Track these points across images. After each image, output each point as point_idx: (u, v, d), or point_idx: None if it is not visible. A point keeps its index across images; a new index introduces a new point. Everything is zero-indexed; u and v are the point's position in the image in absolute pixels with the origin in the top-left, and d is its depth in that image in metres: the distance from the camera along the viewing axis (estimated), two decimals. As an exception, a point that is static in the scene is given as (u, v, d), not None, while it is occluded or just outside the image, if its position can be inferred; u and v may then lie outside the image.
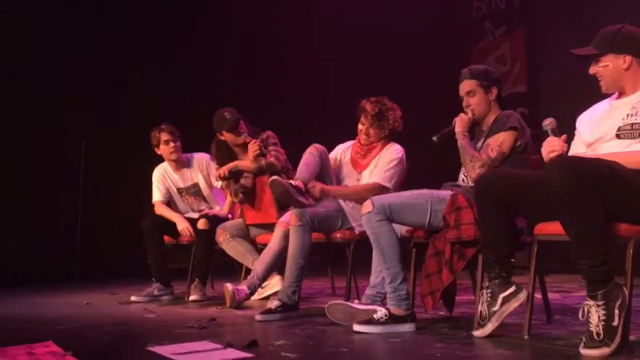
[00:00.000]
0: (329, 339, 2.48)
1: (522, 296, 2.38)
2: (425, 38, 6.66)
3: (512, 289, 2.39)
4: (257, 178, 3.85)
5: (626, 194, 2.11)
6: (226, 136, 3.89)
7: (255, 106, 5.12)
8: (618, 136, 2.29)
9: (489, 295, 2.40)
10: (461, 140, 2.76)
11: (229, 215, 4.17)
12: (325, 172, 3.37)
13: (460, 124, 2.80)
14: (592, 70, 2.40)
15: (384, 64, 6.49)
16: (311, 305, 3.55)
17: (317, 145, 3.38)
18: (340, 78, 6.31)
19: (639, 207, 2.13)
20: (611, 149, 2.29)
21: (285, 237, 3.23)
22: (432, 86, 6.25)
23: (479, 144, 2.78)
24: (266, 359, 2.11)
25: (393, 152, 3.29)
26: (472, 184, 2.73)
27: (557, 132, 2.34)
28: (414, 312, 2.70)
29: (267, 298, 3.44)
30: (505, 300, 2.38)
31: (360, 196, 3.12)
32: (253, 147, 3.76)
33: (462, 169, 2.87)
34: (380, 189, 3.20)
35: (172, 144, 4.18)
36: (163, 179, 4.29)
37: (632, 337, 2.17)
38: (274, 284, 3.70)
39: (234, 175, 3.87)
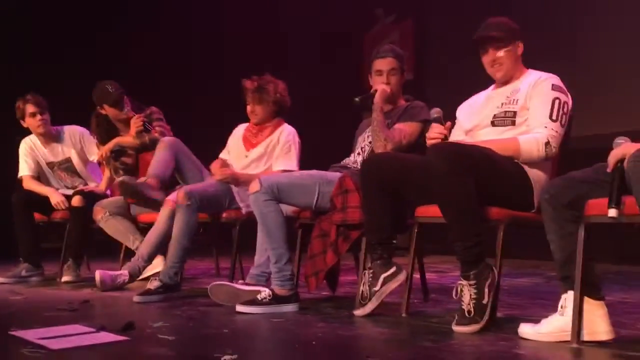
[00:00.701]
0: (211, 320, 2.43)
1: (402, 277, 2.47)
2: (317, 21, 6.67)
3: (393, 269, 2.47)
4: (140, 155, 3.68)
5: (498, 179, 2.23)
6: (108, 110, 3.68)
7: (142, 80, 4.89)
8: (493, 124, 2.42)
9: (371, 275, 2.46)
10: (378, 114, 2.73)
11: (108, 192, 3.95)
12: (183, 162, 3.37)
13: (381, 95, 2.77)
14: (493, 56, 2.42)
15: (276, 45, 6.43)
16: (194, 287, 3.47)
17: (165, 138, 3.39)
18: (234, 55, 6.17)
19: (510, 192, 2.27)
20: (487, 136, 2.41)
21: (172, 216, 3.12)
22: (324, 70, 6.29)
23: (387, 121, 2.78)
24: (142, 342, 2.02)
25: (285, 134, 3.24)
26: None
27: (442, 121, 2.43)
28: (298, 293, 2.72)
29: (147, 279, 3.32)
30: (386, 280, 2.45)
31: None
32: (136, 122, 3.59)
33: (354, 153, 2.90)
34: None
35: (38, 117, 3.88)
36: (31, 152, 3.99)
37: (499, 314, 2.32)
38: (156, 264, 3.57)
39: (116, 154, 3.67)
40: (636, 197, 1.62)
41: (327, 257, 2.70)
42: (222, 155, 3.40)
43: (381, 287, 2.44)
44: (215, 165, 3.25)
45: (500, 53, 2.41)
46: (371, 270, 2.47)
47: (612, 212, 1.77)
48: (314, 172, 2.83)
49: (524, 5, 4.59)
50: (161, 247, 3.27)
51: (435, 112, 2.44)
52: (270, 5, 6.57)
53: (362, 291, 2.47)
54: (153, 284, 2.96)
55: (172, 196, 3.21)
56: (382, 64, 2.83)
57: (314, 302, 2.87)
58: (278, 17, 6.60)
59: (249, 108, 3.28)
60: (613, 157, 1.82)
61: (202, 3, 6.49)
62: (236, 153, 3.32)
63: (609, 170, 1.82)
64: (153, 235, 3.23)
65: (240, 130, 3.40)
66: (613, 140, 1.90)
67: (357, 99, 2.78)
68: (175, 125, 3.80)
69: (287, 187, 2.73)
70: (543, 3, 4.78)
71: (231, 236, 3.28)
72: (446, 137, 2.39)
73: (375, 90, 2.79)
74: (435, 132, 2.39)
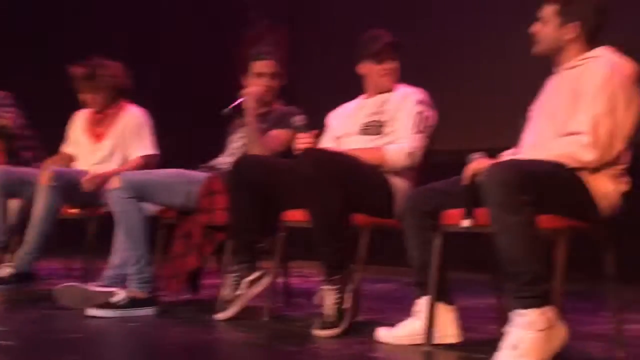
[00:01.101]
0: (58, 324, 2.26)
1: (266, 281, 2.45)
2: (189, 20, 6.49)
3: (257, 274, 2.44)
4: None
5: (363, 187, 2.29)
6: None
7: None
8: (362, 132, 2.49)
9: (235, 279, 2.42)
10: (252, 120, 2.66)
11: None
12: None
13: (253, 98, 2.69)
14: (389, 66, 2.47)
15: (147, 41, 6.16)
16: (41, 288, 3.19)
17: None
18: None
19: (374, 200, 2.34)
20: (356, 143, 2.48)
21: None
22: (195, 70, 6.13)
23: (262, 125, 2.73)
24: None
25: (133, 118, 3.02)
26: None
27: (306, 128, 2.45)
28: (157, 295, 2.60)
29: None
30: (250, 284, 2.42)
31: None
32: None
33: (225, 154, 2.84)
34: (151, 157, 2.99)
35: None
36: None
37: (359, 319, 2.37)
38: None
39: None
40: (488, 209, 1.74)
41: (189, 258, 2.62)
42: (65, 149, 3.14)
43: (245, 291, 2.41)
44: (49, 166, 2.90)
45: (395, 64, 2.50)
46: (235, 274, 2.42)
47: (466, 223, 1.87)
48: (180, 170, 2.74)
49: (394, 21, 4.81)
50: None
51: (299, 120, 2.46)
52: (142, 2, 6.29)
53: (225, 295, 2.42)
54: (5, 271, 2.68)
55: None
56: (263, 66, 2.79)
57: (173, 306, 2.76)
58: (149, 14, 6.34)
59: (80, 97, 3.07)
60: (468, 171, 1.93)
61: None
62: (83, 147, 3.08)
63: (463, 183, 1.93)
64: None
65: (80, 118, 3.15)
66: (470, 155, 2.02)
67: (226, 110, 2.70)
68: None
69: (151, 185, 2.61)
70: (412, 22, 5.04)
71: (85, 233, 3.06)
72: (313, 145, 2.41)
73: (243, 97, 2.71)
74: (302, 142, 2.40)
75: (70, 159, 3.10)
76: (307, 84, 6.05)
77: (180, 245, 2.64)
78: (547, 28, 1.99)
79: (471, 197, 1.88)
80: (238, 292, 2.40)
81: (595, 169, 1.84)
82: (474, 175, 1.89)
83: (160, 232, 2.82)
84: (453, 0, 4.85)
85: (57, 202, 2.79)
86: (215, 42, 6.48)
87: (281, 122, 2.76)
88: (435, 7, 4.99)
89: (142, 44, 5.89)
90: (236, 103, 2.71)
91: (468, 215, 1.86)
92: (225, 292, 2.42)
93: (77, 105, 3.19)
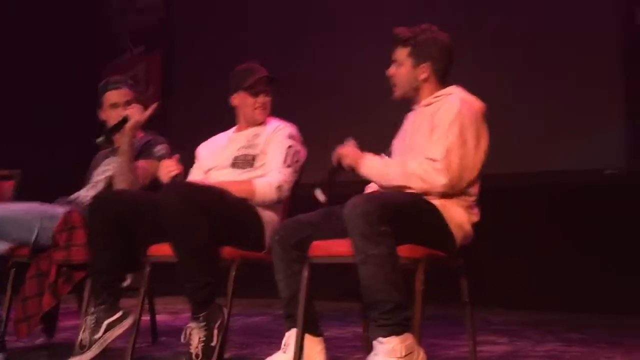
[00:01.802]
0: None
1: (127, 322, 2.31)
2: (60, 44, 6.15)
3: (119, 314, 2.31)
4: None
5: (231, 220, 2.26)
6: None
7: None
8: (233, 165, 2.47)
9: (93, 321, 2.27)
10: (128, 148, 2.50)
11: None
12: None
13: (133, 125, 2.51)
14: (263, 100, 2.50)
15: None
16: None
17: None
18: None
19: (243, 233, 2.30)
20: (226, 176, 2.45)
21: None
22: (60, 99, 5.80)
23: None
24: None
25: None
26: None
27: (169, 156, 2.44)
28: (5, 341, 2.37)
29: None
30: (110, 326, 2.28)
31: None
32: None
33: (84, 188, 2.68)
34: None
35: None
36: None
37: (228, 355, 2.32)
38: None
39: None
40: (351, 240, 1.78)
41: (44, 299, 2.42)
42: None
43: (104, 333, 2.26)
44: None
45: (268, 98, 2.52)
46: (94, 316, 2.27)
47: (318, 194, 2.01)
48: (35, 204, 2.55)
49: (268, 55, 4.89)
50: None
51: (160, 149, 2.43)
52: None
53: (82, 338, 2.26)
54: None
55: None
56: (116, 95, 2.70)
57: (25, 352, 2.55)
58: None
59: None
60: (337, 152, 2.12)
61: None
62: None
63: (332, 162, 2.12)
64: None
65: None
66: (340, 188, 2.12)
67: (100, 139, 2.55)
68: None
69: (2, 220, 2.42)
70: (285, 57, 5.14)
71: None
72: (179, 172, 2.36)
73: (125, 118, 2.55)
74: (168, 169, 2.36)
75: None
76: (181, 113, 5.94)
77: (32, 286, 2.44)
78: (402, 69, 2.12)
79: (332, 175, 2.09)
80: (96, 336, 2.25)
81: (448, 198, 1.97)
82: (340, 157, 2.08)
83: (11, 271, 2.59)
84: (323, 37, 5.02)
85: None
86: (89, 73, 6.19)
87: (145, 151, 2.68)
88: (307, 43, 5.14)
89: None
90: (113, 128, 2.57)
91: (322, 189, 2.04)
92: (83, 335, 2.26)
93: None
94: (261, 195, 2.36)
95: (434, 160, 1.94)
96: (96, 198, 2.34)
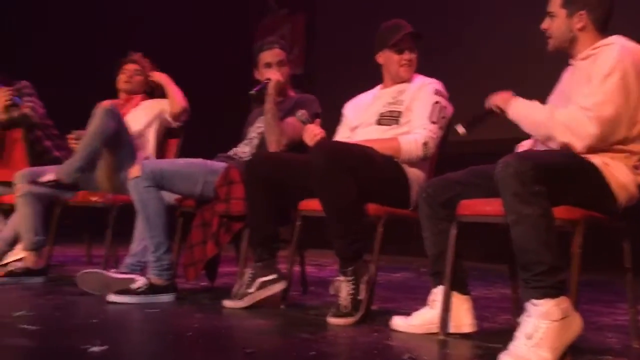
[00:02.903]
0: (79, 310, 2.31)
1: (279, 286, 2.43)
2: (208, 9, 6.51)
3: (273, 276, 2.44)
4: (7, 131, 3.40)
5: (378, 178, 2.30)
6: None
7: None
8: (379, 122, 2.49)
9: (250, 276, 2.44)
10: (273, 106, 2.68)
11: None
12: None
13: (275, 86, 2.71)
14: (408, 56, 2.50)
15: (166, 29, 6.19)
16: (62, 274, 3.27)
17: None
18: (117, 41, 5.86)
19: (389, 190, 2.34)
20: (371, 134, 2.48)
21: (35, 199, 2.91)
22: (215, 57, 6.16)
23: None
24: (1, 333, 1.87)
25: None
26: (248, 158, 2.74)
27: (310, 121, 2.50)
28: (175, 282, 2.64)
29: (6, 265, 3.07)
30: (263, 285, 2.42)
31: None
32: (4, 95, 3.31)
33: (243, 143, 2.86)
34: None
35: None
36: None
37: (374, 307, 2.39)
38: (19, 250, 3.31)
39: None
40: (503, 200, 1.74)
41: (207, 247, 2.65)
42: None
43: (257, 290, 2.42)
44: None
45: (414, 55, 2.51)
46: (251, 271, 2.44)
47: (460, 128, 1.96)
48: (199, 160, 2.76)
49: (412, 12, 4.79)
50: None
51: (302, 114, 2.49)
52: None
53: (238, 288, 2.45)
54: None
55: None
56: (269, 55, 2.81)
57: (191, 293, 2.81)
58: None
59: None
60: (493, 98, 2.06)
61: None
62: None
63: (486, 105, 2.07)
64: (16, 218, 3.00)
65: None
66: (488, 145, 2.06)
67: (253, 92, 2.72)
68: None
69: (171, 174, 2.64)
70: (429, 13, 5.01)
71: (106, 221, 3.12)
72: (323, 136, 2.42)
73: (269, 79, 2.73)
74: (312, 133, 2.44)
75: None
76: (326, 73, 6.05)
77: (198, 234, 2.67)
78: (556, 22, 1.99)
79: (481, 116, 2.04)
80: (250, 290, 2.42)
81: (611, 156, 1.84)
82: (496, 104, 2.03)
83: (179, 220, 2.86)
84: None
85: (36, 208, 2.92)
86: (238, 29, 6.50)
87: (295, 109, 2.78)
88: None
89: (162, 33, 5.93)
90: (260, 87, 2.73)
91: (467, 125, 2.01)
92: (239, 285, 2.45)
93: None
94: (407, 152, 2.37)
95: (586, 108, 1.82)
96: (250, 162, 2.48)
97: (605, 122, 1.81)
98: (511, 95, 2.03)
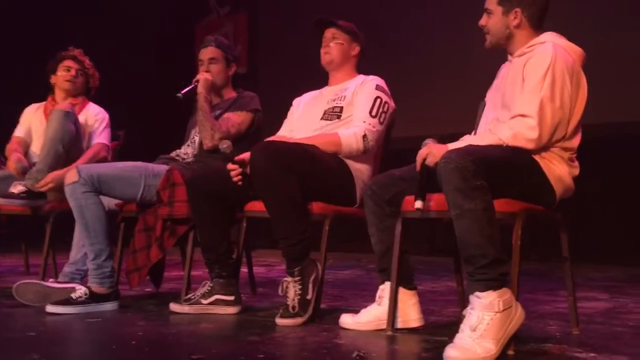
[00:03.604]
0: (15, 322, 2.21)
1: (233, 310, 2.40)
2: (148, 8, 6.37)
3: (231, 298, 2.41)
4: None
5: (321, 175, 2.29)
6: None
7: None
8: (322, 118, 2.49)
9: (208, 288, 2.42)
10: (203, 103, 2.66)
11: None
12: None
13: (203, 84, 2.69)
14: (328, 41, 2.53)
15: (105, 31, 6.01)
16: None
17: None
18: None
19: (334, 188, 2.34)
20: (313, 127, 2.47)
21: None
22: (155, 60, 6.04)
23: (215, 113, 2.73)
24: None
25: (95, 114, 3.06)
26: (191, 159, 2.69)
27: (234, 153, 2.34)
28: (118, 290, 2.56)
29: None
30: (217, 302, 2.40)
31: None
32: None
33: (183, 146, 2.81)
34: (105, 148, 3.00)
35: None
36: None
37: (323, 306, 2.39)
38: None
39: None
40: (445, 195, 1.77)
41: (151, 252, 2.58)
42: (18, 134, 3.09)
43: (210, 304, 2.40)
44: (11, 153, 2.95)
45: (335, 42, 2.52)
46: (210, 285, 2.42)
47: (418, 204, 1.90)
48: (139, 163, 2.69)
49: (352, 6, 4.83)
50: None
51: (226, 146, 2.33)
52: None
53: (191, 294, 2.43)
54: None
55: None
56: (203, 53, 2.80)
57: (136, 300, 2.73)
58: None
59: (55, 81, 3.07)
60: (419, 156, 1.96)
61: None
62: (40, 137, 3.01)
63: (417, 169, 1.96)
64: None
65: (36, 110, 3.14)
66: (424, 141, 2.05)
67: (179, 95, 2.69)
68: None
69: (110, 178, 2.56)
70: (370, 5, 5.05)
71: (43, 229, 2.99)
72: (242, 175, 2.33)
73: (197, 81, 2.72)
74: (231, 173, 2.33)
75: (26, 144, 3.07)
76: (270, 70, 6.02)
77: (141, 239, 2.60)
78: (493, 18, 2.03)
79: (423, 181, 1.92)
80: (203, 301, 2.40)
81: (547, 151, 1.89)
82: (424, 159, 1.92)
83: (121, 226, 2.78)
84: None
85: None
86: (178, 31, 6.39)
87: (235, 105, 2.76)
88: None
89: (103, 33, 5.76)
90: (188, 88, 2.71)
91: (421, 198, 1.89)
92: (193, 294, 2.42)
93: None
94: (347, 145, 2.36)
95: (525, 116, 1.85)
96: (190, 182, 2.43)
97: (545, 126, 1.85)
98: (441, 147, 1.93)
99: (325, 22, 2.56)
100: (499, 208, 1.78)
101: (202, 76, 2.73)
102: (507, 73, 2.05)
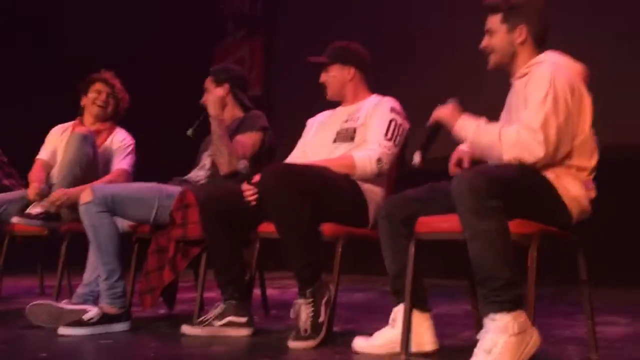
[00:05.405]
0: (28, 344, 2.20)
1: (244, 332, 2.38)
2: (167, 31, 6.47)
3: (243, 319, 2.38)
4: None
5: (333, 197, 2.27)
6: None
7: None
8: (335, 140, 2.49)
9: (220, 310, 2.39)
10: (217, 127, 2.62)
11: None
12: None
13: (213, 106, 2.67)
14: (322, 78, 2.57)
15: (125, 54, 6.11)
16: (12, 307, 3.13)
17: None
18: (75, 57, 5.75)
19: (346, 209, 2.32)
20: (326, 150, 2.47)
21: None
22: (172, 81, 6.10)
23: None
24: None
25: (121, 139, 3.08)
26: (204, 181, 2.70)
27: (250, 172, 2.40)
28: (130, 311, 2.56)
29: None
30: (230, 324, 2.38)
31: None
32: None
33: (197, 167, 2.82)
34: (126, 174, 3.00)
35: None
36: None
37: (336, 329, 2.35)
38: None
39: None
40: (459, 216, 1.74)
41: (164, 273, 2.57)
42: (42, 157, 3.12)
43: (222, 326, 2.37)
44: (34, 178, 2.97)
45: (323, 77, 2.56)
46: (222, 306, 2.40)
47: (417, 157, 1.90)
48: (153, 184, 2.70)
49: (366, 28, 4.86)
50: None
51: (244, 166, 2.39)
52: (115, 7, 6.25)
53: (204, 316, 2.40)
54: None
55: None
56: (207, 81, 2.85)
57: (148, 321, 2.72)
58: (125, 19, 6.30)
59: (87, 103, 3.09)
60: (436, 113, 2.00)
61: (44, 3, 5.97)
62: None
63: (428, 124, 2.00)
64: None
65: (62, 132, 3.16)
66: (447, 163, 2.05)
67: (189, 132, 2.71)
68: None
69: (124, 199, 2.57)
70: (384, 26, 5.08)
71: (59, 250, 3.00)
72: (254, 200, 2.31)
73: (205, 109, 2.70)
74: (247, 194, 2.31)
75: (49, 166, 3.07)
76: (284, 93, 6.06)
77: (154, 261, 2.60)
78: (496, 37, 2.01)
79: (430, 137, 1.95)
80: (215, 323, 2.37)
81: (563, 171, 1.87)
82: (439, 118, 1.96)
83: (134, 247, 2.78)
84: (423, 12, 4.91)
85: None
86: (197, 51, 6.48)
87: (244, 126, 2.76)
88: (405, 18, 5.06)
89: (117, 52, 5.85)
90: (195, 125, 2.73)
91: (421, 152, 1.91)
92: (205, 314, 2.41)
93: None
94: (361, 168, 2.35)
95: (534, 130, 1.83)
96: (203, 203, 2.42)
97: (550, 143, 1.82)
98: (458, 110, 1.99)
99: (314, 64, 2.57)
100: (513, 229, 1.75)
101: (209, 99, 2.72)
102: (513, 94, 2.04)
